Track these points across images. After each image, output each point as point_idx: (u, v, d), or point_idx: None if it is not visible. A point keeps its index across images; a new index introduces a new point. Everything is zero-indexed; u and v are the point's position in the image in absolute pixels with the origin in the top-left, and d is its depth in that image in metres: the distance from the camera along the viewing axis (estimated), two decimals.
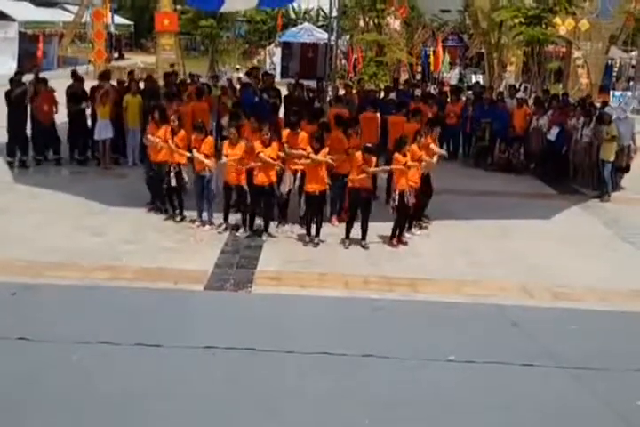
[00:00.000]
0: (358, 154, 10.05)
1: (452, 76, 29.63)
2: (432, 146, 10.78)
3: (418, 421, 5.93)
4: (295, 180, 10.78)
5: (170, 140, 10.73)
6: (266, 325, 7.55)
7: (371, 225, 10.33)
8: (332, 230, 10.74)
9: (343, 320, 7.79)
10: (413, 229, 10.94)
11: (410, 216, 10.68)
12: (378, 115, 13.87)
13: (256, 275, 9.01)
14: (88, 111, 14.58)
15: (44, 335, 6.95)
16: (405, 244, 10.44)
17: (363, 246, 10.23)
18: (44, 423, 5.61)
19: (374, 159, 10.16)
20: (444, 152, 11.69)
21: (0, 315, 7.42)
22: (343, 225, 10.50)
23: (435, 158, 10.66)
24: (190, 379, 6.35)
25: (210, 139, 10.73)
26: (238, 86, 17.02)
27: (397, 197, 10.16)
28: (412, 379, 6.58)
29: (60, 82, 15.07)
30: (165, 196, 11.16)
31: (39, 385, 6.13)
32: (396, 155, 10.21)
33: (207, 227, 10.68)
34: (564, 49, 28.65)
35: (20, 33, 33.69)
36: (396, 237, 10.40)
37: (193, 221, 10.86)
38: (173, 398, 6.03)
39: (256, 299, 8.38)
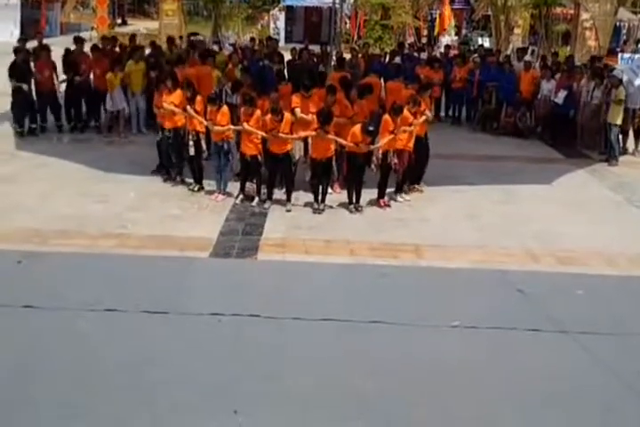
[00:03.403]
0: (357, 130, 10.01)
1: (442, 43, 28.40)
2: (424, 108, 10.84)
3: (422, 386, 5.94)
4: (305, 146, 10.78)
5: (188, 106, 10.62)
6: (271, 292, 7.58)
7: (370, 191, 10.40)
8: (339, 197, 10.71)
9: (348, 287, 7.79)
10: (405, 194, 10.91)
11: (403, 179, 10.72)
12: (381, 81, 13.71)
13: (261, 242, 9.00)
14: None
15: (49, 303, 6.98)
16: (389, 206, 10.50)
17: (356, 209, 10.23)
18: (50, 391, 5.65)
19: (370, 139, 10.16)
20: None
21: (6, 283, 7.45)
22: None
23: (422, 118, 10.66)
24: (196, 346, 6.38)
25: (225, 109, 10.51)
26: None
27: (381, 157, 10.24)
28: (417, 345, 6.59)
29: (63, 48, 14.94)
30: (183, 164, 11.13)
31: (45, 353, 6.17)
32: (386, 117, 10.29)
33: (221, 197, 10.63)
34: (571, 11, 28.19)
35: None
36: (382, 199, 10.51)
37: (212, 192, 10.80)
38: (178, 364, 6.06)
39: (261, 266, 8.39)
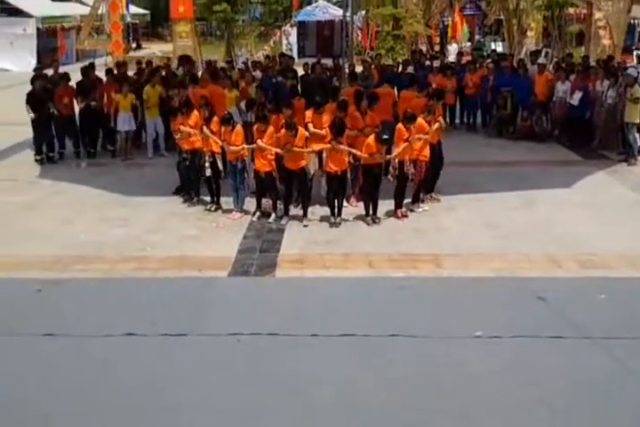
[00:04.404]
0: (371, 140, 10.01)
1: (451, 52, 27.71)
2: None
3: (446, 399, 5.86)
4: (320, 161, 10.79)
5: (204, 127, 10.72)
6: (290, 309, 7.55)
7: (387, 202, 10.40)
8: (355, 210, 10.69)
9: (368, 301, 7.73)
10: (422, 204, 10.86)
11: (420, 189, 10.67)
12: (394, 91, 13.71)
13: (279, 258, 9.00)
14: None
15: (69, 330, 7.01)
16: (406, 216, 10.45)
17: (373, 221, 10.20)
18: (72, 417, 5.66)
19: (385, 148, 10.16)
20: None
21: (27, 311, 7.49)
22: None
23: (435, 125, 10.61)
24: (215, 367, 6.36)
25: (238, 128, 10.55)
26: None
27: (397, 166, 10.23)
28: (439, 357, 6.51)
29: (79, 75, 15.10)
30: (200, 185, 11.19)
31: (65, 379, 6.18)
32: (400, 126, 10.29)
33: (238, 215, 10.64)
34: (584, 11, 28.00)
35: (38, 29, 33.88)
36: (400, 209, 10.46)
37: (229, 210, 10.81)
38: (198, 386, 6.04)
39: (280, 283, 8.39)
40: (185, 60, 17.56)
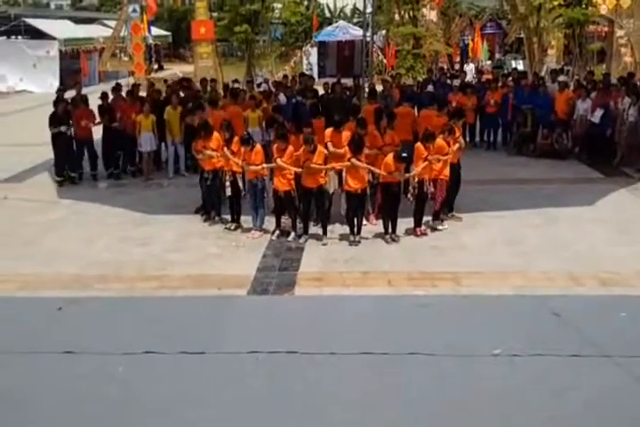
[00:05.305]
0: (390, 159, 10.01)
1: (467, 72, 27.78)
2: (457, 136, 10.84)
3: (464, 418, 5.81)
4: (340, 179, 10.80)
5: (225, 148, 10.82)
6: (309, 327, 7.53)
7: (406, 220, 10.39)
8: (374, 228, 10.67)
9: (387, 319, 7.70)
10: (442, 222, 10.82)
11: (441, 207, 10.66)
12: (414, 110, 13.73)
13: (298, 277, 9.00)
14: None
15: (89, 348, 7.04)
16: (426, 234, 10.44)
17: (392, 239, 10.18)
18: None
19: (403, 166, 10.16)
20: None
21: (47, 329, 7.55)
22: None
23: (456, 146, 10.62)
24: (234, 385, 6.35)
25: (258, 148, 10.59)
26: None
27: (417, 186, 10.21)
28: (458, 375, 6.46)
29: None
30: (221, 204, 11.27)
31: (85, 397, 6.19)
32: (419, 145, 10.31)
33: (258, 234, 10.67)
34: (606, 28, 28.02)
35: (60, 51, 34.43)
36: (419, 227, 10.46)
37: (249, 229, 10.85)
38: (216, 404, 6.04)
39: (299, 301, 8.37)
40: (186, 83, 17.66)
